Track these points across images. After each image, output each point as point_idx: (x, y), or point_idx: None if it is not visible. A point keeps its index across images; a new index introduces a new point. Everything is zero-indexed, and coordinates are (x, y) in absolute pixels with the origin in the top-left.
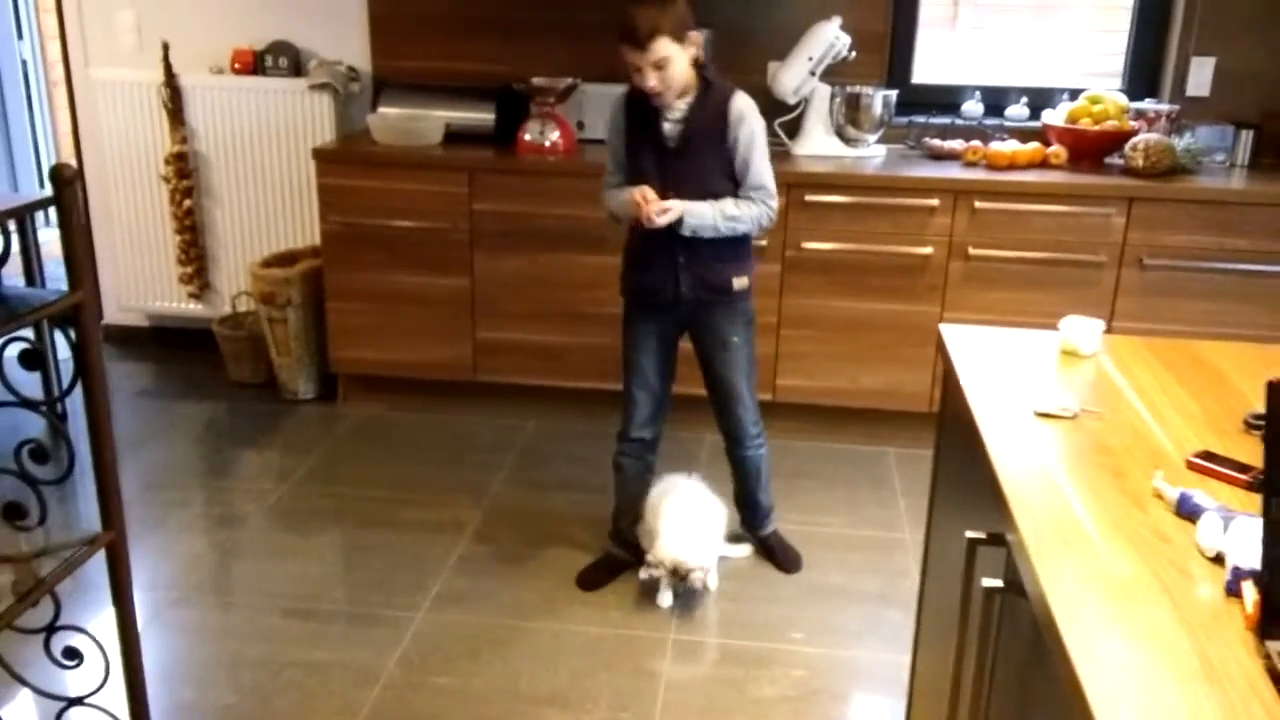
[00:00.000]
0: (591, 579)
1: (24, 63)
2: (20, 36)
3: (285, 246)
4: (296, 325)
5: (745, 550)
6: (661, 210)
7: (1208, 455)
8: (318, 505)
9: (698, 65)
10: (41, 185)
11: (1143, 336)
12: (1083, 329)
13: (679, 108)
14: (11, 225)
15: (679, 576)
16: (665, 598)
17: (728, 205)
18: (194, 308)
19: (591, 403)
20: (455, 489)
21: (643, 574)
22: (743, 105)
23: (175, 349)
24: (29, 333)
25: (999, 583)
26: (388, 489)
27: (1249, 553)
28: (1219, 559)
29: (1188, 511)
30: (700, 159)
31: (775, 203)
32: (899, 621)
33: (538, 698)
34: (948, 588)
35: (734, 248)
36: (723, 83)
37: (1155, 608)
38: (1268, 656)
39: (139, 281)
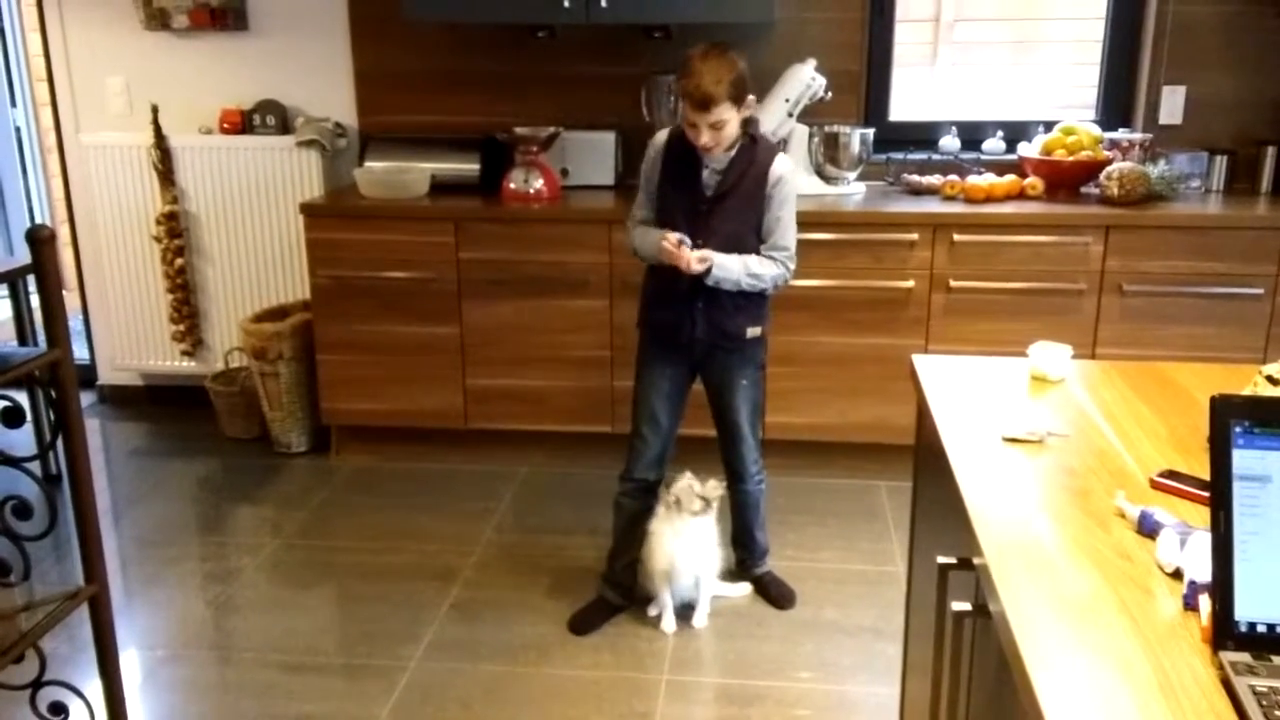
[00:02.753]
0: (584, 622)
1: (18, 129)
2: (14, 104)
3: (276, 301)
4: (288, 379)
5: (744, 590)
6: (701, 259)
7: (1171, 474)
8: (311, 558)
9: (744, 121)
10: None
11: (1125, 362)
12: (1051, 354)
13: (722, 159)
14: (3, 289)
15: (702, 498)
16: (668, 623)
17: (753, 263)
18: (187, 365)
19: (582, 446)
20: (447, 537)
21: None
22: (785, 168)
23: (169, 407)
24: (22, 396)
25: (967, 606)
26: (380, 539)
27: (1205, 567)
28: (1178, 574)
29: (1149, 529)
30: (733, 211)
31: (794, 265)
32: (892, 654)
33: None
34: (928, 615)
35: (751, 299)
36: (767, 141)
37: (1114, 624)
38: (1221, 667)
39: (132, 341)
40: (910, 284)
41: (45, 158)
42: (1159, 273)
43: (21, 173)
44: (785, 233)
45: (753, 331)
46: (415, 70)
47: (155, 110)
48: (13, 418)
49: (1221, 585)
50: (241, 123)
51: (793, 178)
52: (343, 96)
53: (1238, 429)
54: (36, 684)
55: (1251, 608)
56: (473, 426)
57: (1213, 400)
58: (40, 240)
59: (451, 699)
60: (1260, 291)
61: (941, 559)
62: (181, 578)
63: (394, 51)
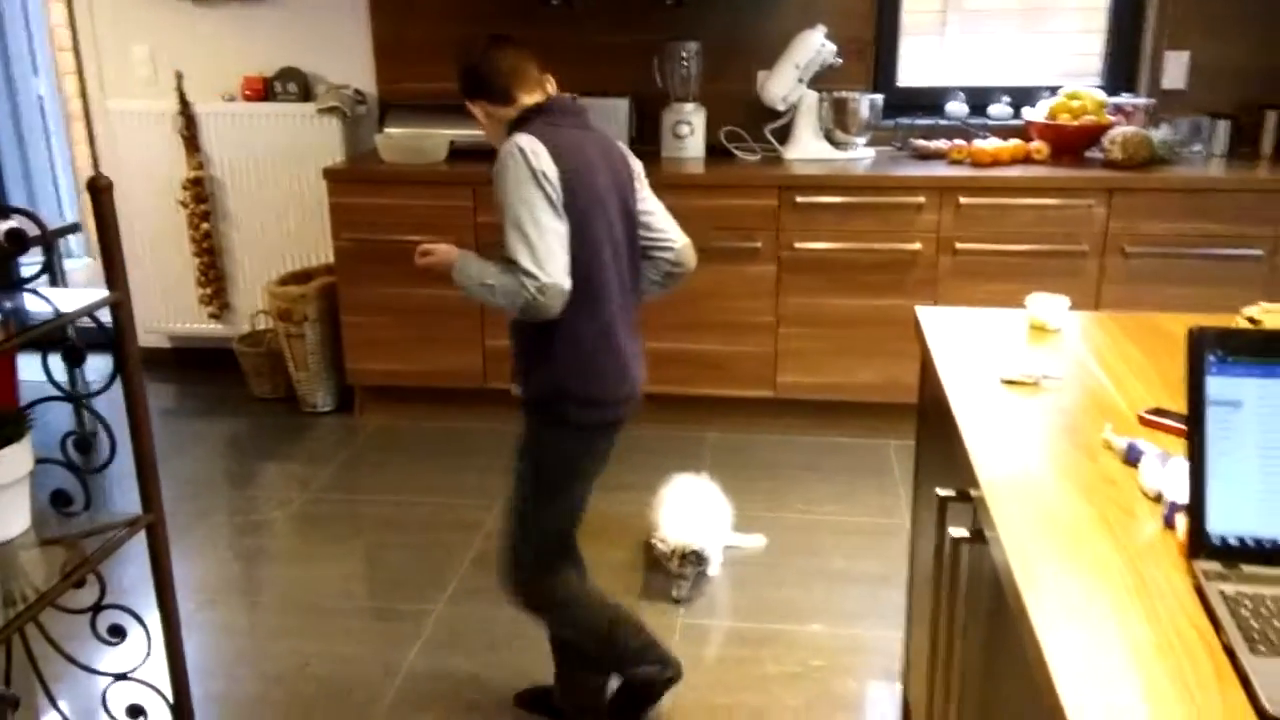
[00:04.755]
0: None
1: (40, 98)
2: (35, 73)
3: (300, 265)
4: (313, 340)
5: (759, 541)
6: (423, 252)
7: (1158, 411)
8: (338, 510)
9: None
10: (62, 215)
11: (1121, 313)
12: (1048, 305)
13: None
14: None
15: (690, 561)
16: (682, 589)
17: (491, 270)
18: (214, 327)
19: None
20: (468, 491)
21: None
22: (502, 159)
23: (197, 368)
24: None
25: (965, 531)
26: (404, 493)
27: (1183, 489)
28: (1159, 498)
29: (1134, 459)
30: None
31: (535, 283)
32: (898, 601)
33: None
34: (929, 559)
35: (529, 342)
36: (525, 129)
37: (1098, 542)
38: (1194, 575)
39: (161, 304)
40: (917, 246)
41: (70, 125)
42: (1161, 235)
43: (45, 141)
44: (510, 241)
45: (522, 390)
46: (433, 38)
47: (180, 77)
48: (73, 356)
49: (1195, 501)
50: (264, 90)
51: (512, 169)
52: (362, 64)
53: (1211, 358)
54: (97, 607)
55: (1223, 522)
56: (491, 386)
57: (1190, 331)
58: (100, 189)
59: (477, 642)
60: (1260, 253)
61: (941, 491)
62: (214, 529)
63: (412, 19)
